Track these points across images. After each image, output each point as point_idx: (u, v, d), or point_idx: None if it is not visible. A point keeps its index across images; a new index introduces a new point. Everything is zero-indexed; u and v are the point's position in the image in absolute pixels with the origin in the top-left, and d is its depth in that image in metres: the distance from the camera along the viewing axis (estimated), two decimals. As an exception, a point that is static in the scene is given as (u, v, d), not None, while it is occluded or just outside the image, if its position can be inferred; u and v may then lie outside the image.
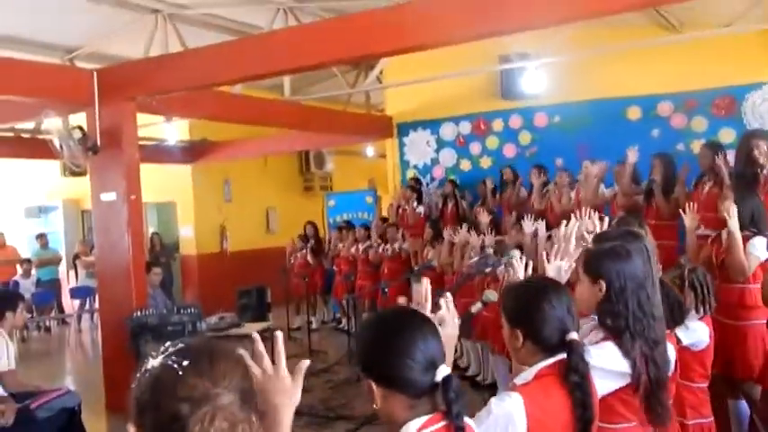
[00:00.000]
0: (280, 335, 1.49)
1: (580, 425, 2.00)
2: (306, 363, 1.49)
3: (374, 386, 1.66)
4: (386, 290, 6.36)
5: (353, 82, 11.26)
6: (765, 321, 4.47)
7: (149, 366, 1.24)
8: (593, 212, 3.18)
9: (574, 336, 2.08)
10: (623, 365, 2.34)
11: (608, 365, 2.32)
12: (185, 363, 1.22)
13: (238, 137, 12.07)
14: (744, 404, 4.56)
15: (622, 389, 2.36)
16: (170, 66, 6.97)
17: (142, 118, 8.16)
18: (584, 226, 2.97)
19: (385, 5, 6.33)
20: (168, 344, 1.29)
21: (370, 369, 1.69)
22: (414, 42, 5.67)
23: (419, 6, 5.63)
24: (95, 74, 7.03)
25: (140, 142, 7.68)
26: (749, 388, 4.47)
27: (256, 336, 1.52)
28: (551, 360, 2.09)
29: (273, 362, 1.44)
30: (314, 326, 10.20)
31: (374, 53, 6.99)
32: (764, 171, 5.55)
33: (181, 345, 1.29)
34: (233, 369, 1.27)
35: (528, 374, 2.09)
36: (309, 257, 11.00)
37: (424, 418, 1.62)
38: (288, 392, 1.44)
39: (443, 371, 1.65)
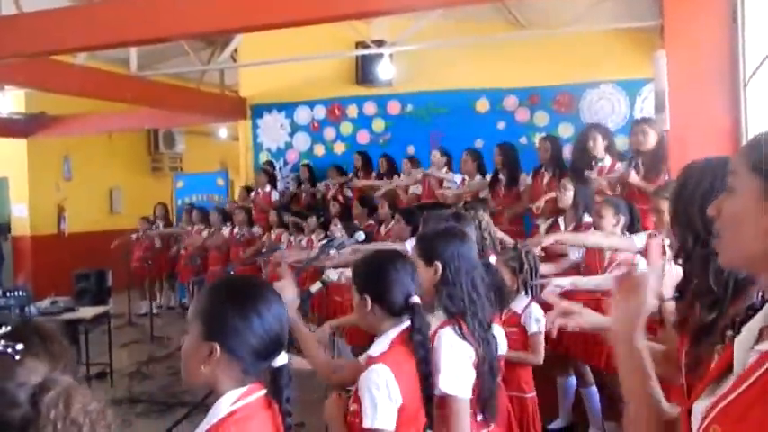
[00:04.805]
0: None
1: (424, 381, 2.14)
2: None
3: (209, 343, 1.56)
4: (232, 272, 6.24)
5: (207, 60, 10.90)
6: None
7: None
8: None
9: (416, 299, 2.21)
10: (468, 348, 2.38)
11: (459, 353, 2.36)
12: (19, 346, 1.12)
13: (81, 111, 11.31)
14: (572, 380, 4.84)
15: None
16: (2, 29, 6.40)
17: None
18: None
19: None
20: None
21: (212, 329, 1.57)
22: (266, 20, 5.52)
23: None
24: None
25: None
26: (582, 366, 4.75)
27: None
28: (400, 328, 2.20)
29: None
30: (156, 311, 9.82)
31: (226, 29, 6.74)
32: (597, 163, 5.91)
33: (6, 328, 1.20)
34: (66, 350, 1.24)
35: (383, 345, 2.18)
36: (156, 240, 10.63)
37: (244, 387, 1.58)
38: None
39: (282, 359, 1.64)
